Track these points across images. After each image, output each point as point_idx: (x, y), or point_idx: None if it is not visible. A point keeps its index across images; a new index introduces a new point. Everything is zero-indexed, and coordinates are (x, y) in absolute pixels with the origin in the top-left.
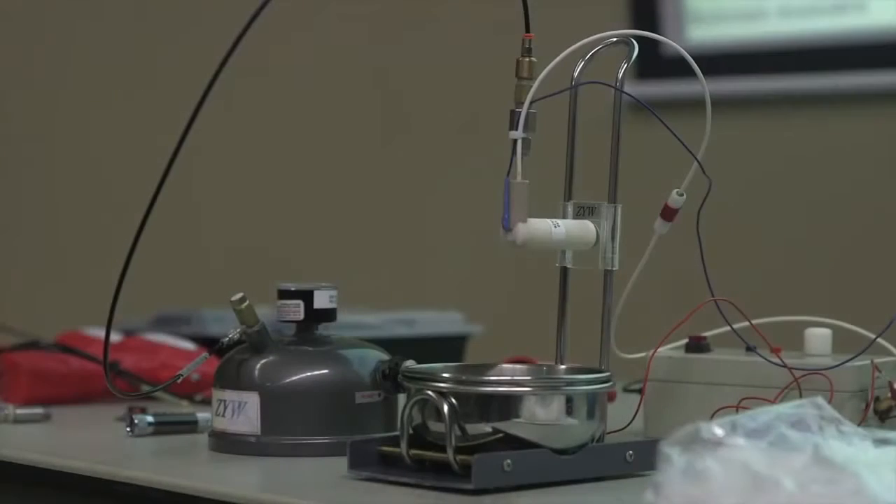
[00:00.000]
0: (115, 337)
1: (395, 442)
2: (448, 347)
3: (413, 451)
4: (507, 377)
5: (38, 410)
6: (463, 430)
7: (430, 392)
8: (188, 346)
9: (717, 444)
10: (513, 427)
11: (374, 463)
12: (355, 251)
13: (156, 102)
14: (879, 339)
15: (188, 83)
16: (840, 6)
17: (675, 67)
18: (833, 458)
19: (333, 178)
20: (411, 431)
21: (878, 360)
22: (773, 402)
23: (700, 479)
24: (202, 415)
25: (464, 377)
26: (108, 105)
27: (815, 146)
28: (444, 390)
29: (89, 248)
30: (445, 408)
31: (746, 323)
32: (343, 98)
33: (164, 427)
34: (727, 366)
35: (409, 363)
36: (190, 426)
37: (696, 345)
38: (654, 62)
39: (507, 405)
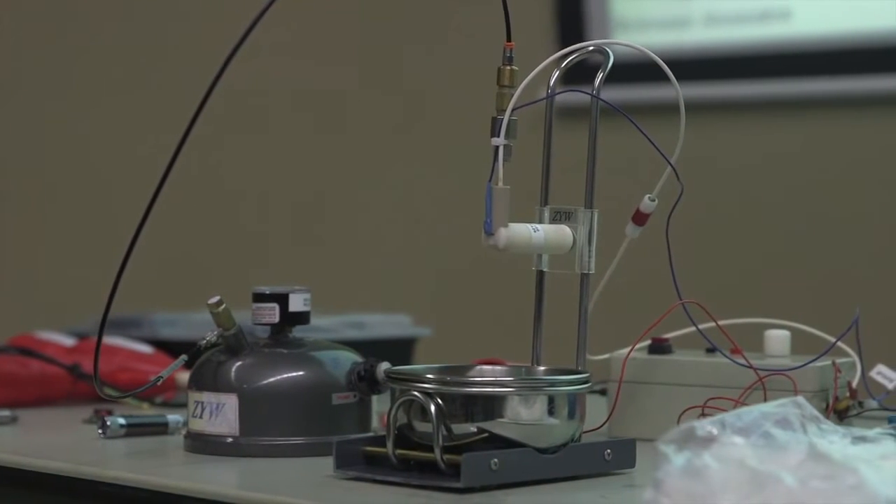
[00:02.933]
0: (67, 340)
1: (378, 442)
2: (397, 350)
3: (399, 451)
4: (491, 378)
5: (6, 413)
6: (449, 429)
7: (416, 393)
8: (144, 348)
9: (711, 441)
10: (497, 427)
11: (358, 463)
12: (300, 254)
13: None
14: (837, 341)
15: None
16: (765, 14)
17: (630, 73)
18: (830, 454)
19: (275, 182)
20: (396, 432)
21: (837, 362)
22: (737, 401)
23: (700, 476)
24: (172, 417)
25: (449, 378)
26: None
27: (755, 152)
28: (431, 391)
29: (27, 253)
30: (433, 408)
31: (705, 324)
32: (287, 99)
33: (136, 429)
34: (690, 367)
35: (384, 365)
36: (160, 428)
37: (659, 346)
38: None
39: (491, 405)
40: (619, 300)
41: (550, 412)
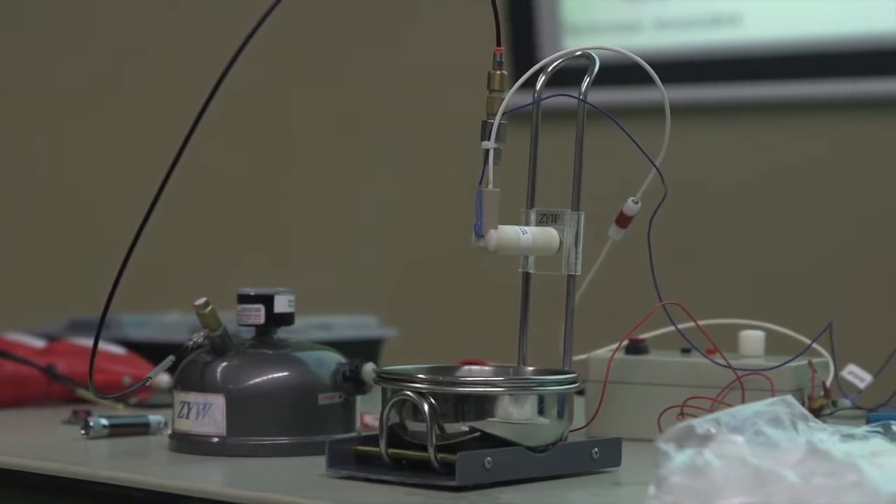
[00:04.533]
0: (37, 342)
1: (369, 442)
2: (364, 351)
3: (391, 451)
4: (482, 378)
5: None
6: (442, 429)
7: (409, 393)
8: (117, 349)
9: (710, 439)
10: (489, 426)
11: (349, 462)
12: (263, 256)
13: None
14: (808, 341)
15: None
16: (716, 20)
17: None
18: (830, 451)
19: (237, 184)
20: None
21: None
22: (715, 400)
23: (702, 473)
24: (153, 417)
25: (441, 378)
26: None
27: (715, 155)
28: (424, 391)
29: None
30: (426, 408)
31: (681, 325)
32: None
33: (118, 429)
34: (668, 367)
35: (370, 366)
36: (142, 428)
37: (636, 347)
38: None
39: (483, 405)
40: (591, 301)
41: (541, 412)
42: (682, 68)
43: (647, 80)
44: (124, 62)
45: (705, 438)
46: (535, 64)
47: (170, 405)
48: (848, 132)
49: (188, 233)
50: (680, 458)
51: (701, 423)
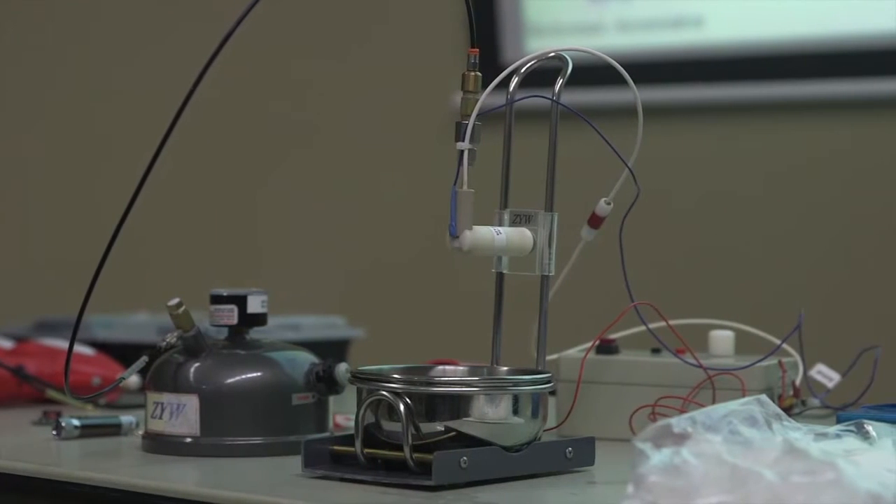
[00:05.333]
0: (6, 343)
1: (343, 441)
2: (332, 351)
3: (366, 451)
4: (457, 378)
5: None
6: (417, 428)
7: (385, 393)
8: (86, 350)
9: (686, 438)
10: (464, 426)
11: (323, 462)
12: (226, 258)
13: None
14: (777, 340)
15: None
16: (678, 21)
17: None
18: (807, 449)
19: (205, 187)
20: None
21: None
22: (686, 399)
23: (680, 472)
24: (125, 418)
25: (417, 378)
26: None
27: (678, 156)
28: (400, 391)
29: None
30: (402, 407)
31: (651, 325)
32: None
33: (90, 430)
34: (638, 367)
35: (343, 366)
36: (114, 429)
37: (606, 347)
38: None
39: (459, 405)
40: (560, 301)
41: (515, 411)
42: (644, 69)
43: (613, 81)
44: (87, 68)
45: (682, 437)
46: (498, 65)
47: (139, 406)
48: (813, 133)
49: (155, 234)
50: (657, 457)
51: (678, 422)
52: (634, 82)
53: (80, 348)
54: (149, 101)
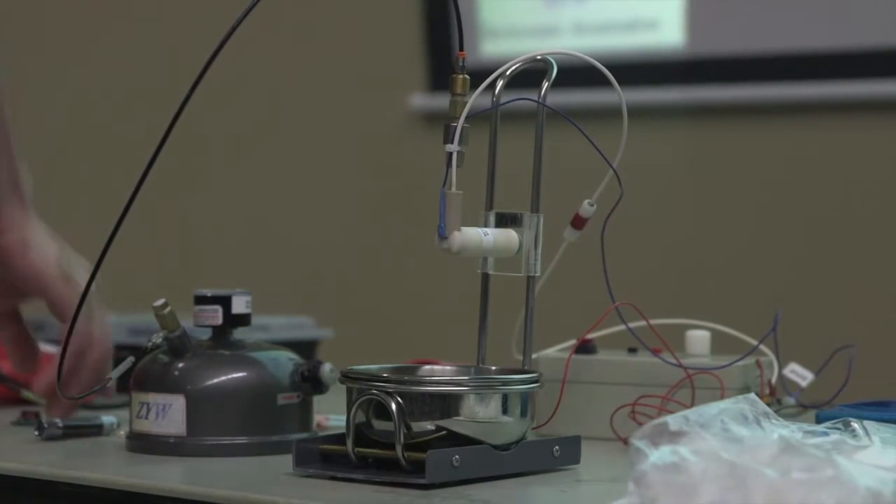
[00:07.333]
0: None
1: (332, 441)
2: (300, 352)
3: (358, 450)
4: (448, 377)
5: None
6: (409, 427)
7: (376, 392)
8: (51, 349)
9: (682, 436)
10: (455, 424)
11: (314, 461)
12: (196, 259)
13: None
14: (754, 340)
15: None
16: (632, 24)
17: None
18: (804, 446)
19: (160, 184)
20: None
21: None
22: (665, 398)
23: (680, 469)
24: (106, 418)
25: (407, 377)
26: None
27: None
28: (391, 390)
29: None
30: (394, 406)
31: (629, 324)
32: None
33: (72, 430)
34: (617, 366)
35: (328, 366)
36: (96, 429)
37: (584, 346)
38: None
39: (450, 404)
40: (538, 301)
41: (505, 410)
42: (599, 72)
43: (590, 83)
44: (88, 68)
45: (678, 435)
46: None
47: (116, 406)
48: (785, 134)
49: (121, 236)
50: (656, 454)
51: (675, 420)
52: (589, 85)
53: (48, 347)
54: (143, 100)
